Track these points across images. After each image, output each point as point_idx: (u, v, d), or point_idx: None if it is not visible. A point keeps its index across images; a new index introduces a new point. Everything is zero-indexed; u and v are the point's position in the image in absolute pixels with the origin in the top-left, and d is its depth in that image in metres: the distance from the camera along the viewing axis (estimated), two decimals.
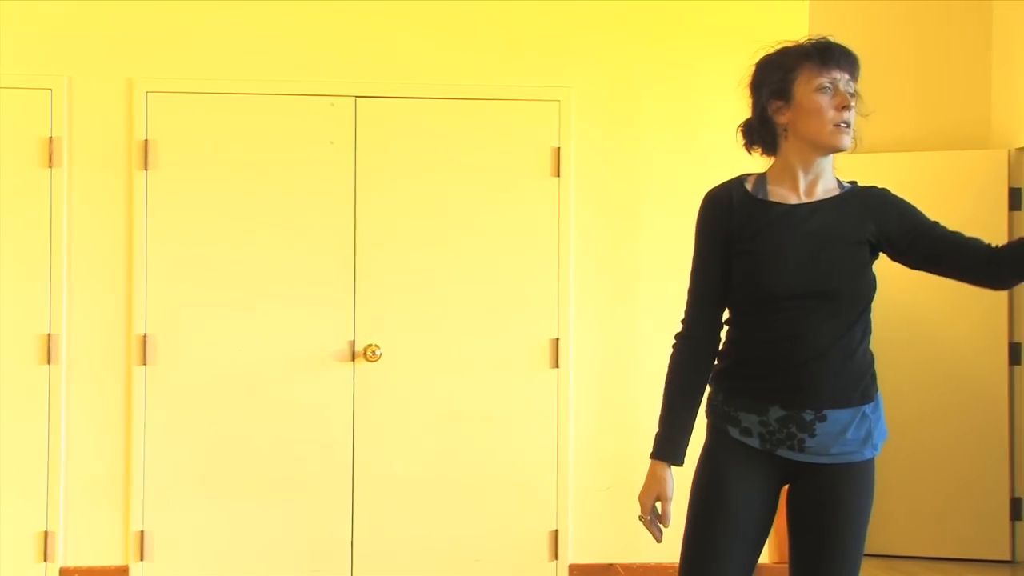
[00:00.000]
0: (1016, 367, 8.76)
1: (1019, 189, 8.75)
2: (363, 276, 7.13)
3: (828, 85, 3.69)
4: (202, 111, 7.10)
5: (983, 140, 9.01)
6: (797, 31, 7.17)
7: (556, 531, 7.19)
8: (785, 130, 3.77)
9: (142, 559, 7.01)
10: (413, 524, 7.12)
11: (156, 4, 7.11)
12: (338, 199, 7.13)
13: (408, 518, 7.12)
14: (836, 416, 3.68)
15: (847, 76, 3.72)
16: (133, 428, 7.00)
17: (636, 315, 7.24)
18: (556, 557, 7.19)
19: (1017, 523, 8.72)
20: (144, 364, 7.02)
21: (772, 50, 3.82)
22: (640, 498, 3.86)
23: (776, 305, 3.67)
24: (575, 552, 7.22)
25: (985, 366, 8.76)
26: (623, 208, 7.32)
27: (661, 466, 3.85)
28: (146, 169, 7.04)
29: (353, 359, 7.10)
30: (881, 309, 8.82)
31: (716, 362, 3.86)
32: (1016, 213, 8.74)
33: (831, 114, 3.69)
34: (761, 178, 3.81)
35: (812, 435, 3.68)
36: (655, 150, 7.32)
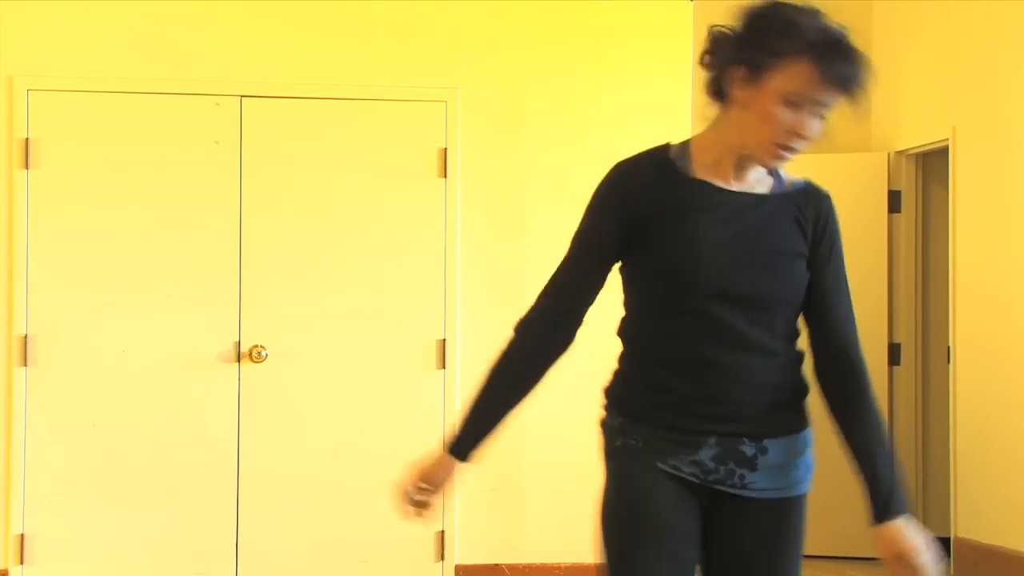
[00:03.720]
0: (896, 367, 8.88)
1: (898, 192, 8.88)
2: (248, 277, 7.08)
3: (800, 103, 2.95)
4: (85, 110, 7.02)
5: (864, 143, 9.13)
6: (682, 32, 7.27)
7: (442, 532, 7.19)
8: (733, 105, 3.02)
9: (22, 563, 6.92)
10: (299, 525, 7.09)
11: (37, 2, 7.02)
12: (223, 199, 7.08)
13: (294, 519, 7.09)
14: (777, 446, 3.12)
15: (832, 100, 2.99)
16: (13, 430, 6.91)
17: None
18: (442, 558, 7.20)
19: None
20: (25, 365, 6.93)
21: (785, 10, 2.96)
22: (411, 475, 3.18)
23: (704, 311, 3.04)
24: (461, 553, 7.23)
25: None
26: (510, 209, 7.34)
27: (450, 458, 3.17)
28: (27, 168, 6.95)
29: (238, 360, 7.05)
30: None
31: (616, 386, 3.20)
32: (896, 215, 8.87)
33: (781, 133, 2.97)
34: (684, 148, 3.12)
35: (754, 470, 3.11)
36: (542, 151, 7.35)
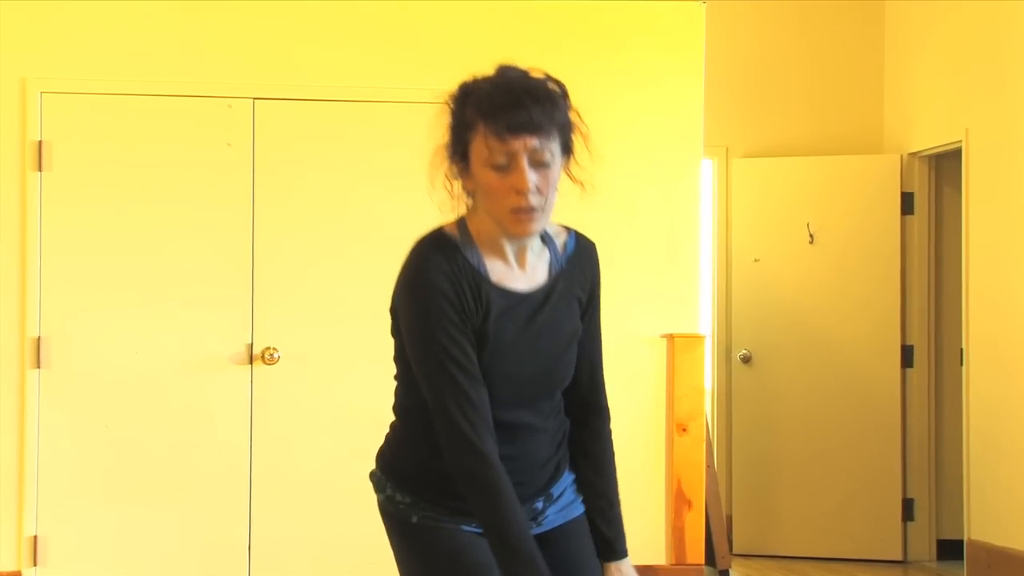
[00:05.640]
0: (909, 370, 8.87)
1: (911, 194, 8.87)
2: (261, 279, 7.09)
3: (503, 162, 2.86)
4: (98, 112, 7.03)
5: (876, 145, 9.12)
6: (694, 33, 7.26)
7: None
8: (471, 197, 3.00)
9: (36, 564, 6.92)
10: (311, 527, 7.09)
11: (50, 3, 7.04)
12: (236, 201, 7.09)
13: (306, 521, 7.09)
14: (558, 486, 3.14)
15: (536, 140, 2.87)
16: (27, 432, 6.92)
17: None
18: None
19: (909, 524, 8.83)
20: (38, 367, 6.94)
21: (463, 89, 3.01)
22: None
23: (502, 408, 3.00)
24: None
25: (878, 369, 8.87)
26: None
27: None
28: (40, 170, 6.96)
29: (251, 362, 7.06)
30: (777, 312, 8.95)
31: (399, 463, 3.22)
32: (908, 217, 8.86)
33: (505, 197, 2.87)
34: (467, 239, 3.00)
35: (545, 513, 3.14)
36: None
